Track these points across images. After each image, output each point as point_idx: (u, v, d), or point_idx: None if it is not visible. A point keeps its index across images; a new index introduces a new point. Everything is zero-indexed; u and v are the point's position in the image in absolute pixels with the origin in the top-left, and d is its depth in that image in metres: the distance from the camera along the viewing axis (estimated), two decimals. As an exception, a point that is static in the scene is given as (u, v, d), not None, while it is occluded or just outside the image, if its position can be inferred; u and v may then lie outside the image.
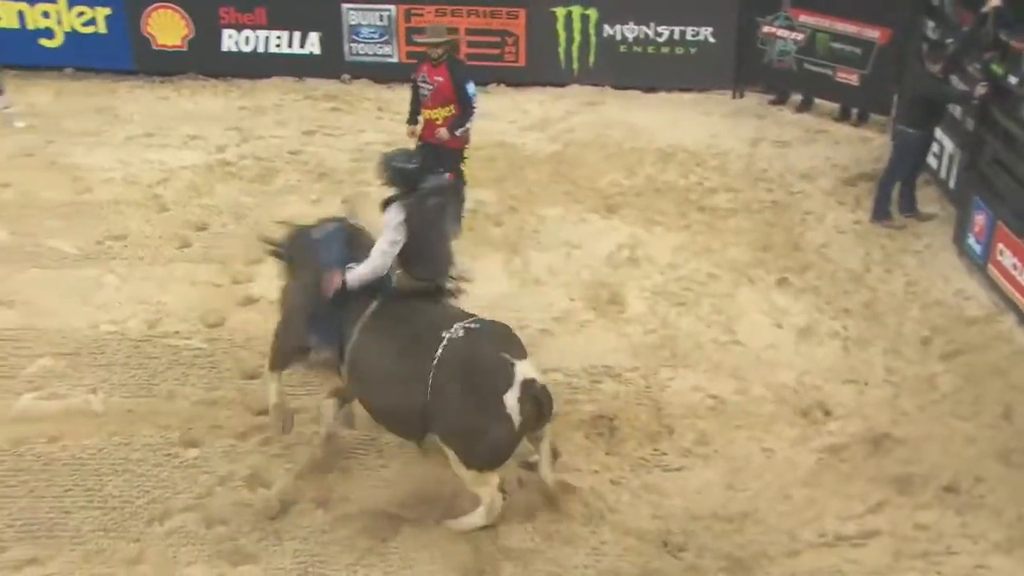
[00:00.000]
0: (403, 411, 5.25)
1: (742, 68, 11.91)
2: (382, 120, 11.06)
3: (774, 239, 8.66)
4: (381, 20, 12.10)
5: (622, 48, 12.12)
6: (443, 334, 5.23)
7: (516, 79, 12.21)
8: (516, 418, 5.10)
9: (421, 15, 12.05)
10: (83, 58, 11.87)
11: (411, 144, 8.24)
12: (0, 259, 7.58)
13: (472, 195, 9.25)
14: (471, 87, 8.13)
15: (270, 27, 12.00)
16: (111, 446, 5.69)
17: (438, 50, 8.08)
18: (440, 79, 8.08)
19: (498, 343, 5.34)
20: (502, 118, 11.30)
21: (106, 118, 10.53)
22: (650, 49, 12.10)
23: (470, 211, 8.92)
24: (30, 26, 11.68)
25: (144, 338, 6.71)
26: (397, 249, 5.42)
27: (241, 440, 5.87)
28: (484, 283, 7.72)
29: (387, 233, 5.38)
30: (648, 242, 8.59)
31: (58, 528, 5.10)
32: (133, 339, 6.72)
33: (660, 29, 12.05)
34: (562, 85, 12.15)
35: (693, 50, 12.07)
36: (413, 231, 5.39)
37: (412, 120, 8.46)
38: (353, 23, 12.09)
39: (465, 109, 8.13)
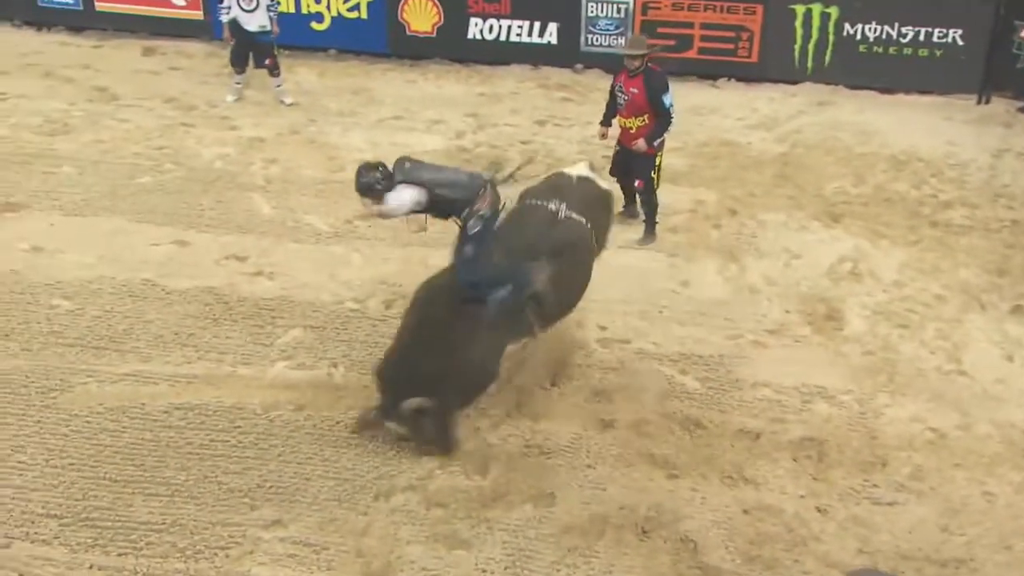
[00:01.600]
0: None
1: (991, 72, 10.96)
2: (611, 112, 10.94)
3: (1012, 263, 7.92)
4: (618, 12, 11.92)
5: (861, 48, 11.39)
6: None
7: (747, 75, 11.76)
8: None
9: (658, 8, 11.80)
10: (345, 41, 12.41)
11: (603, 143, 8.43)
12: (264, 231, 8.05)
13: (692, 195, 9.02)
14: (668, 98, 7.85)
15: (513, 16, 12.12)
16: (348, 419, 5.96)
17: (635, 62, 7.84)
18: (635, 91, 7.86)
19: None
20: (730, 115, 10.94)
21: (361, 99, 10.96)
22: (891, 50, 11.32)
23: (689, 211, 8.69)
24: (304, 10, 12.33)
25: (381, 318, 6.94)
26: None
27: (462, 424, 6.00)
28: (698, 287, 7.59)
29: None
30: (872, 256, 8.05)
31: (299, 493, 5.39)
32: (372, 318, 6.97)
33: (904, 29, 11.24)
34: (794, 83, 11.59)
35: (938, 52, 11.21)
36: None
37: (606, 122, 8.29)
38: (591, 15, 11.99)
39: (661, 120, 7.88)
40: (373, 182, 5.59)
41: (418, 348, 5.66)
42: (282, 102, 10.60)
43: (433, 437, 5.67)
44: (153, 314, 6.88)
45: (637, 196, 8.21)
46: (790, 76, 11.65)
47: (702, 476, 5.68)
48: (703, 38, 11.78)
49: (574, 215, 6.33)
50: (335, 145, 9.73)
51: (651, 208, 8.17)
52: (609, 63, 12.12)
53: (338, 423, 5.91)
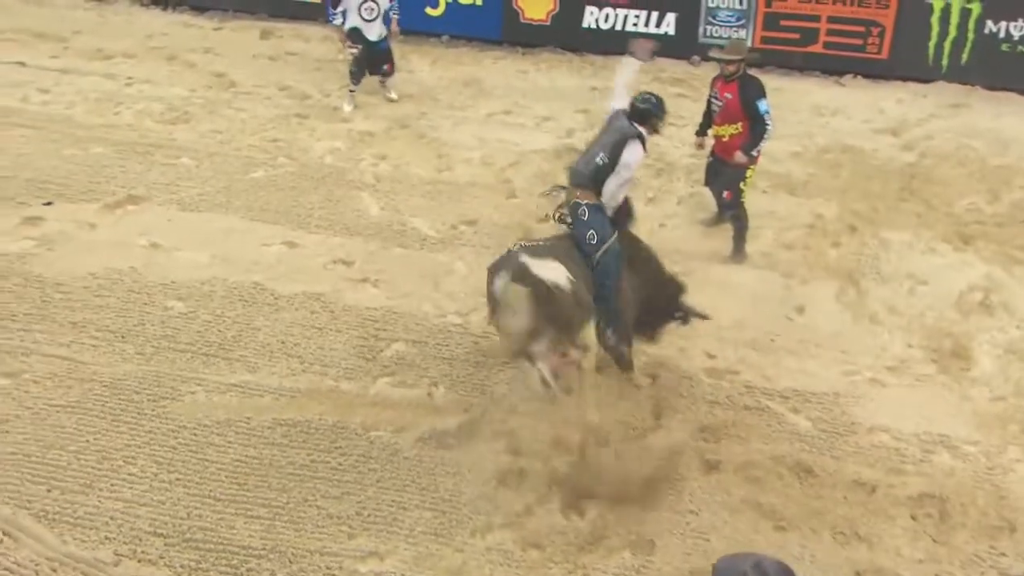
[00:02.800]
0: None
1: None
2: (728, 110, 10.47)
3: None
4: (741, 3, 11.39)
5: (1004, 47, 10.64)
6: None
7: (876, 72, 11.11)
8: None
9: (784, 0, 11.23)
10: (458, 27, 12.26)
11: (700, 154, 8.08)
12: (372, 234, 7.97)
13: (810, 207, 8.56)
14: (764, 104, 7.36)
15: (631, 6, 11.72)
16: (444, 442, 5.85)
17: (731, 67, 7.40)
18: (729, 96, 7.44)
19: None
20: (855, 116, 10.36)
21: (472, 92, 10.78)
22: (1037, 50, 10.52)
23: (806, 226, 8.24)
24: (420, -4, 12.21)
25: (484, 334, 6.78)
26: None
27: (558, 454, 5.81)
28: (813, 314, 7.18)
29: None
30: (1007, 286, 7.48)
31: (396, 524, 5.30)
32: (475, 334, 6.82)
33: (1053, 28, 10.43)
34: (926, 81, 10.90)
35: (1088, 54, 10.37)
36: None
37: (701, 132, 7.91)
38: (712, 5, 11.51)
39: (757, 128, 7.38)
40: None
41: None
42: (389, 99, 10.45)
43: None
44: (261, 320, 6.88)
45: (725, 209, 7.81)
46: (922, 74, 10.98)
47: (812, 530, 5.35)
48: (830, 32, 11.19)
49: None
50: (444, 141, 9.59)
51: (740, 223, 7.74)
52: (728, 55, 11.68)
53: (437, 450, 5.81)
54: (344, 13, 9.85)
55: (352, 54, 9.88)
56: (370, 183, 8.77)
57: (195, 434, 5.85)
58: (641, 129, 6.17)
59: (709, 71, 11.16)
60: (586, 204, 6.13)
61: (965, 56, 10.83)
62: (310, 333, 6.78)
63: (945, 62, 10.91)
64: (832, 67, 11.29)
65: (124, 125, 9.66)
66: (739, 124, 7.43)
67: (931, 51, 10.92)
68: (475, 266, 7.57)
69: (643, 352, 6.60)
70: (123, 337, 6.67)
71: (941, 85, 10.84)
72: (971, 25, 10.71)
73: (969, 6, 10.65)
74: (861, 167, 9.25)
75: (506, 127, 9.95)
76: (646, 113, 6.20)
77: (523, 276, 5.73)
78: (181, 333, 6.73)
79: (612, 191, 6.21)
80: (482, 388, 6.32)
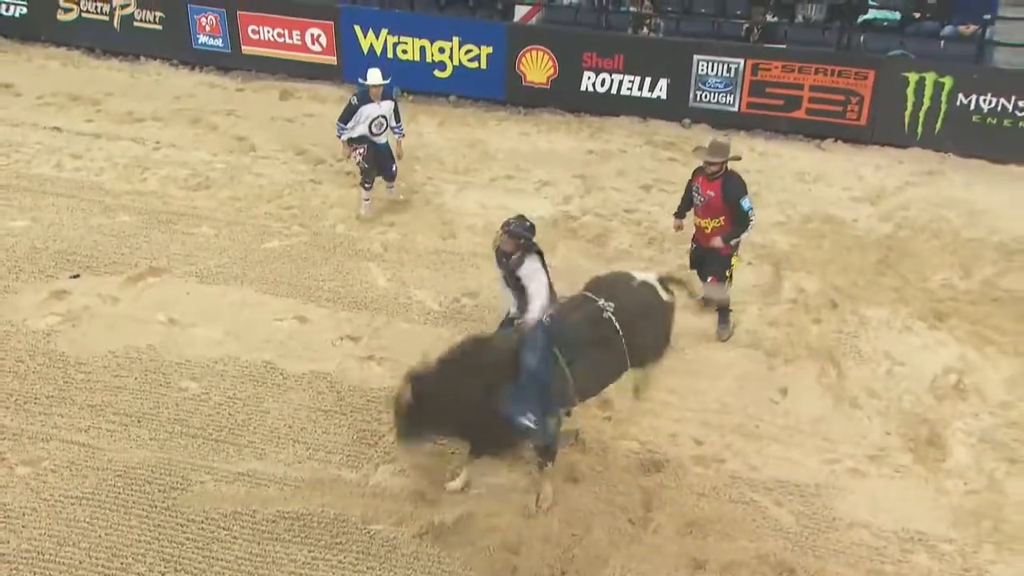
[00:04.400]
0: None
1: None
2: (716, 176, 10.10)
3: None
4: (728, 71, 11.01)
5: (974, 118, 10.21)
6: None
7: (855, 137, 10.73)
8: None
9: (768, 70, 10.84)
10: (465, 88, 11.87)
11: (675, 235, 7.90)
12: (378, 308, 7.64)
13: (794, 281, 8.19)
14: (746, 202, 6.98)
15: (625, 72, 11.34)
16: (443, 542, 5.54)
17: (713, 167, 7.02)
18: (712, 194, 7.04)
19: None
20: (836, 183, 9.97)
21: (476, 154, 10.41)
22: (1006, 123, 10.10)
23: (790, 302, 7.88)
24: (428, 59, 11.84)
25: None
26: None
27: (549, 549, 5.47)
28: (795, 398, 6.82)
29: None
30: (979, 368, 7.11)
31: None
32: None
33: (1021, 103, 10.01)
34: (903, 147, 10.51)
35: (1055, 127, 9.97)
36: None
37: (680, 214, 7.53)
38: (701, 72, 11.10)
39: (739, 223, 7.02)
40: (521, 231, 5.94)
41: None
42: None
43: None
44: (270, 402, 6.56)
45: (710, 293, 7.29)
46: (898, 141, 10.56)
47: (794, 637, 5.06)
48: (812, 99, 10.78)
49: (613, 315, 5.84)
50: (448, 208, 9.24)
51: (722, 305, 7.36)
52: (716, 118, 11.30)
53: (434, 543, 5.48)
54: (354, 127, 8.71)
55: (360, 155, 8.77)
56: (378, 252, 8.42)
57: (202, 528, 5.53)
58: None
59: (700, 132, 10.94)
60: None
61: (938, 125, 10.41)
62: (316, 417, 6.45)
63: (920, 130, 10.48)
64: (814, 131, 10.90)
65: (149, 192, 9.31)
66: (721, 218, 7.08)
67: (907, 119, 10.50)
68: (476, 344, 7.26)
69: (635, 439, 6.29)
70: (139, 421, 6.36)
71: (916, 151, 10.43)
72: (944, 97, 10.30)
73: (942, 80, 10.26)
74: (842, 238, 8.86)
75: (508, 193, 9.58)
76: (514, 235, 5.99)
77: None
78: (194, 416, 6.41)
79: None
80: (476, 479, 5.98)
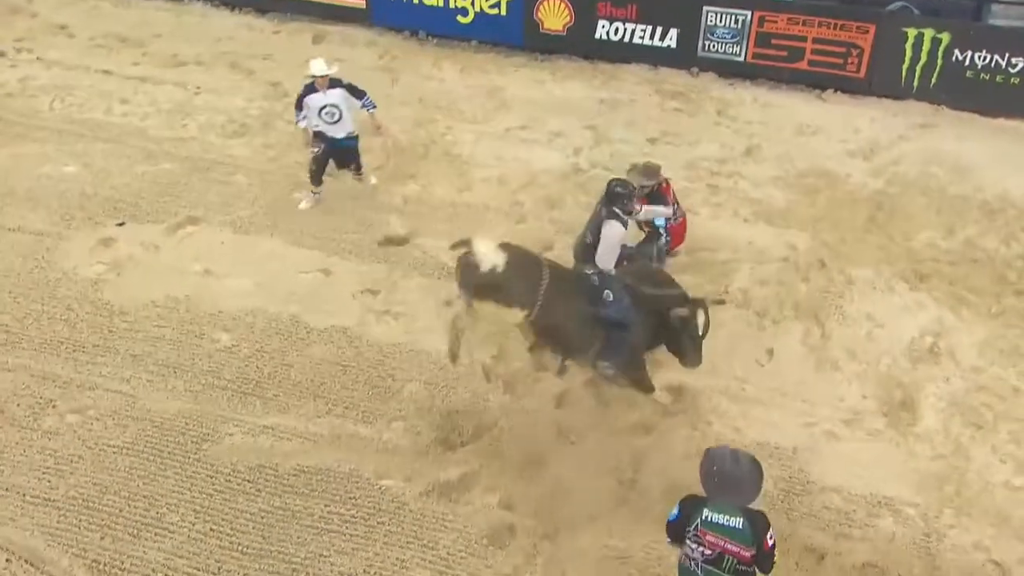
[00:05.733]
0: None
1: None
2: (719, 127, 9.37)
3: (1092, 349, 6.40)
4: (735, 23, 10.09)
5: (968, 74, 9.32)
6: None
7: (854, 88, 9.88)
8: None
9: (774, 22, 9.91)
10: (486, 33, 11.02)
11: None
12: (397, 261, 7.21)
13: (786, 238, 7.63)
14: (660, 220, 6.72)
15: (637, 20, 10.44)
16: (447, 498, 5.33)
17: (646, 190, 6.64)
18: (638, 208, 6.49)
19: None
20: (833, 136, 9.21)
21: (494, 103, 9.71)
22: (999, 78, 9.21)
23: (781, 260, 7.35)
24: (451, 5, 10.96)
25: (484, 376, 6.15)
26: None
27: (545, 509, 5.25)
28: (780, 359, 6.41)
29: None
30: (954, 330, 6.64)
31: (397, 582, 4.87)
32: (480, 375, 6.17)
33: (1015, 60, 9.10)
34: (899, 99, 9.67)
35: (1048, 83, 9.08)
36: None
37: None
38: (711, 23, 10.19)
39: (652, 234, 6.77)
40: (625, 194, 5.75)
41: None
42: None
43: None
44: (294, 356, 6.27)
45: None
46: (895, 93, 9.70)
47: (764, 599, 4.83)
48: (814, 51, 9.88)
49: None
50: (465, 159, 8.65)
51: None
52: (723, 68, 10.44)
53: (438, 500, 5.27)
54: (306, 117, 7.48)
55: (313, 153, 7.57)
56: (398, 205, 7.92)
57: (228, 481, 5.35)
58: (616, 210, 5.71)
59: (707, 81, 10.14)
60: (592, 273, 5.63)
61: (934, 79, 9.53)
62: (335, 372, 6.16)
63: (916, 83, 9.61)
64: (815, 82, 10.05)
65: (190, 138, 8.80)
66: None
67: (904, 73, 9.62)
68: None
69: (629, 401, 5.96)
70: (175, 372, 6.12)
71: (912, 103, 9.58)
72: (940, 52, 9.38)
73: (940, 36, 9.32)
74: (835, 193, 8.23)
75: (522, 143, 8.95)
76: (615, 196, 5.77)
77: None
78: (225, 368, 6.16)
79: (601, 259, 5.56)
80: (479, 437, 5.72)
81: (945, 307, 6.86)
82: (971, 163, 8.64)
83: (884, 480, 5.50)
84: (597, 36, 10.63)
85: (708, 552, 3.89)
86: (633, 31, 10.49)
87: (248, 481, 5.34)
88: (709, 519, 3.88)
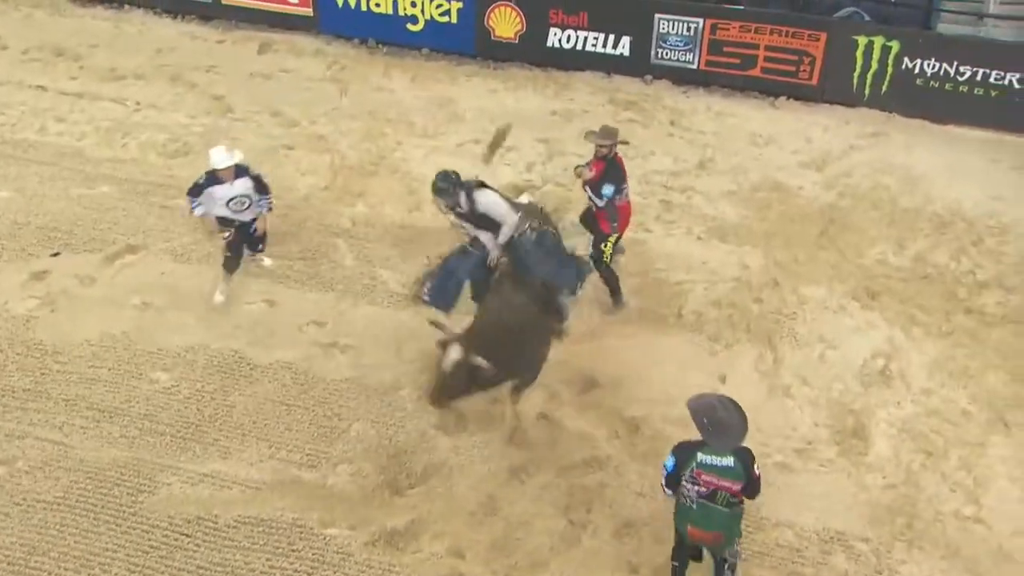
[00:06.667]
0: None
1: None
2: (673, 138, 9.23)
3: (1040, 369, 6.41)
4: (688, 31, 9.95)
5: (918, 81, 9.31)
6: None
7: (806, 95, 9.82)
8: None
9: (727, 29, 9.79)
10: (436, 41, 10.75)
11: None
12: (344, 289, 6.96)
13: (739, 256, 7.54)
14: (608, 189, 6.54)
15: (589, 28, 10.25)
16: (390, 542, 5.14)
17: (603, 149, 6.59)
18: (594, 172, 6.64)
19: None
20: (786, 146, 9.13)
21: (445, 115, 9.45)
22: (947, 86, 9.22)
23: (733, 280, 7.25)
24: (400, 12, 10.66)
25: (431, 412, 5.96)
26: None
27: (495, 557, 5.09)
28: (733, 385, 6.29)
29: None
30: (905, 351, 6.60)
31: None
32: (432, 411, 5.98)
33: (963, 68, 9.11)
34: (851, 107, 9.63)
35: (994, 92, 9.09)
36: None
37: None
38: (663, 31, 10.04)
39: (594, 202, 6.65)
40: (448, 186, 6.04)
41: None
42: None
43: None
44: (236, 395, 6.02)
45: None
46: (847, 100, 9.66)
47: (716, 644, 4.75)
48: (767, 59, 9.80)
49: None
50: (415, 176, 8.38)
51: (608, 280, 6.84)
52: (676, 75, 10.31)
53: (385, 550, 5.09)
54: (203, 204, 6.53)
55: (225, 239, 6.72)
56: (346, 228, 7.66)
57: (166, 536, 5.11)
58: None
59: (661, 89, 9.99)
60: None
61: (885, 87, 9.50)
62: (279, 411, 5.93)
63: (867, 91, 9.58)
64: (768, 89, 9.97)
65: (129, 159, 8.40)
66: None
67: (855, 80, 9.58)
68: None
69: (581, 434, 5.82)
70: (111, 417, 5.84)
71: (863, 111, 9.54)
72: (891, 60, 9.35)
73: (890, 44, 9.29)
74: (786, 208, 8.13)
75: (473, 159, 8.73)
76: (438, 191, 6.16)
77: None
78: (163, 412, 5.89)
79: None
80: (427, 478, 5.54)
81: (896, 326, 6.83)
82: (921, 173, 8.64)
83: (836, 514, 5.44)
84: (549, 44, 10.42)
85: (703, 490, 4.38)
86: (585, 39, 10.30)
87: (186, 535, 5.10)
88: (703, 462, 4.37)
